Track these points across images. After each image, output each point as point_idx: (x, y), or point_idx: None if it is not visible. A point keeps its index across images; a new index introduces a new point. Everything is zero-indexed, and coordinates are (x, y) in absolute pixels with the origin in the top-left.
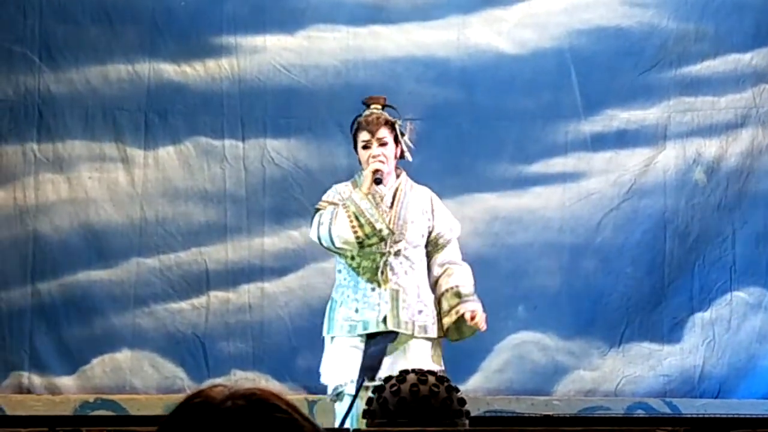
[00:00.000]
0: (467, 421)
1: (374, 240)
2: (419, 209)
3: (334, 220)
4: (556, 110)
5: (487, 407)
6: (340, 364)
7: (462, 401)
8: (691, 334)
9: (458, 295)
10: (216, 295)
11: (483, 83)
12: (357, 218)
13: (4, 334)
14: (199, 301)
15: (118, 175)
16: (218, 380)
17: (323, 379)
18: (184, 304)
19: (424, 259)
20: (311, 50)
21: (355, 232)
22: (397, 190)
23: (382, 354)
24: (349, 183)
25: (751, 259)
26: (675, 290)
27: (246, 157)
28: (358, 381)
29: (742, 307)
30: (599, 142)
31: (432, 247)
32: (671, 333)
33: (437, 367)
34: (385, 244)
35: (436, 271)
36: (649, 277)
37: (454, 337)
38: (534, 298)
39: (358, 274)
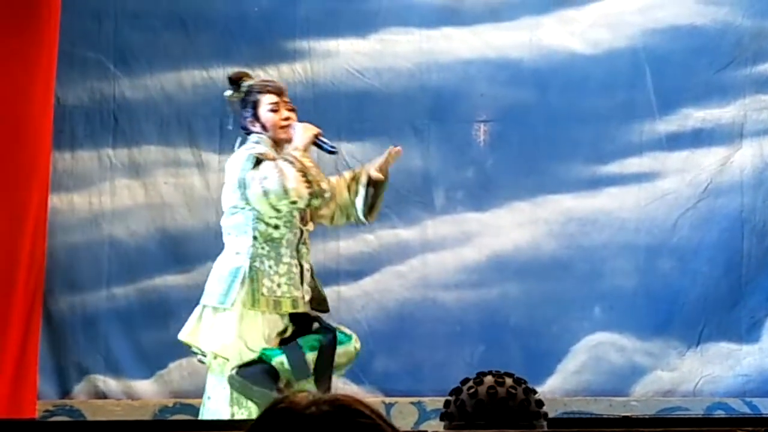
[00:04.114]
0: (545, 423)
1: (317, 201)
2: None
3: (283, 173)
4: (630, 110)
5: (565, 408)
6: (255, 339)
7: (540, 403)
8: None
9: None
10: None
11: (556, 84)
12: (304, 175)
13: (78, 338)
14: None
15: (193, 180)
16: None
17: (220, 350)
18: None
19: None
20: (384, 53)
21: (309, 187)
22: None
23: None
24: (260, 144)
25: None
26: (753, 289)
27: (320, 161)
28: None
29: None
30: (674, 141)
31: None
32: (749, 332)
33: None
34: (304, 219)
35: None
36: (727, 276)
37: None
38: (610, 299)
39: (280, 245)
